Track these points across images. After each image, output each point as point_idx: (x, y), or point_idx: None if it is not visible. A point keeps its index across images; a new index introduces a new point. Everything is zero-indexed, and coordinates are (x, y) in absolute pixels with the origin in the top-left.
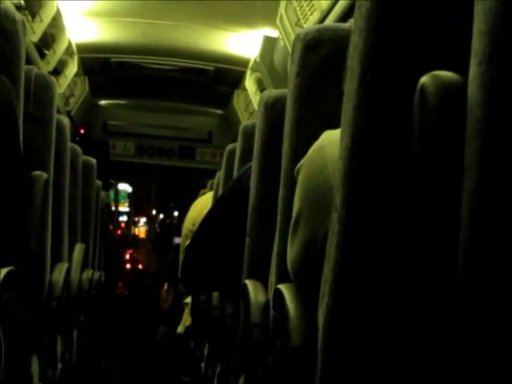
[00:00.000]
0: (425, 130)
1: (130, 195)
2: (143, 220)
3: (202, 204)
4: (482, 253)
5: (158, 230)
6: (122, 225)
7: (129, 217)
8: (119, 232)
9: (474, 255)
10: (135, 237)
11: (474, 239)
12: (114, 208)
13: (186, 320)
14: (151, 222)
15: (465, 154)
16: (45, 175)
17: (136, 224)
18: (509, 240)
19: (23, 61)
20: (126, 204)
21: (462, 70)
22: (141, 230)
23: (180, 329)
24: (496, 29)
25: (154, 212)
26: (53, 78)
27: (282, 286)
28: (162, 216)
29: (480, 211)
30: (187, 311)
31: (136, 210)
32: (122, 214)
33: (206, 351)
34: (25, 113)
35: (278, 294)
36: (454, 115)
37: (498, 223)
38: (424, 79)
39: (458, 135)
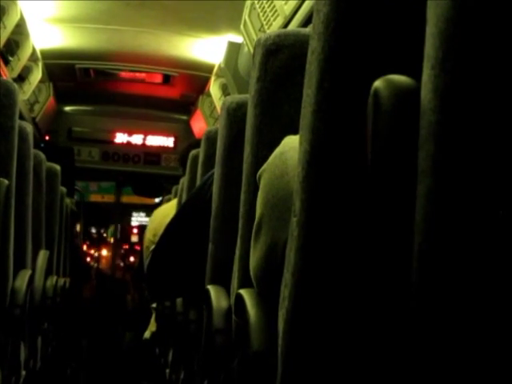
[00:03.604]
0: (378, 134)
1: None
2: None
3: (163, 214)
4: (435, 257)
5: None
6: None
7: None
8: None
9: (427, 259)
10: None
11: (427, 243)
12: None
13: (153, 325)
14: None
15: (418, 158)
16: (6, 182)
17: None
18: (462, 244)
19: None
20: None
21: (418, 74)
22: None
23: (147, 334)
24: (448, 32)
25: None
26: (15, 85)
27: (243, 291)
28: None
29: (433, 215)
30: (154, 316)
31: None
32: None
33: (170, 357)
34: None
35: (239, 299)
36: (407, 119)
37: (451, 228)
38: (377, 83)
39: (411, 139)
